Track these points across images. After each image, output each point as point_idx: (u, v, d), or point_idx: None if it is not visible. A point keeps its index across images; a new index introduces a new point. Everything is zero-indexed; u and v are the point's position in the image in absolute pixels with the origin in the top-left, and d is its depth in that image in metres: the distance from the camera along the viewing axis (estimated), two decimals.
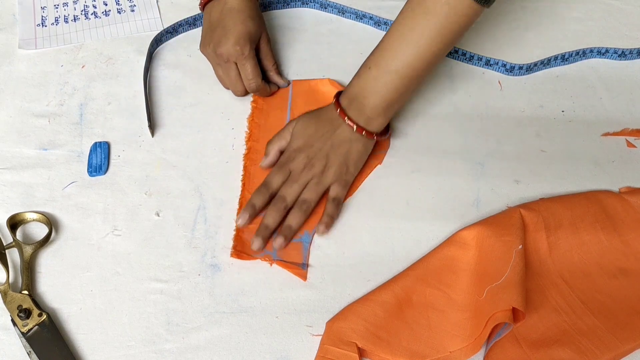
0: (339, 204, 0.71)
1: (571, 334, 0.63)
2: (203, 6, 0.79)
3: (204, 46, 0.78)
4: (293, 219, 0.69)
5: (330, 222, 0.70)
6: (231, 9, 0.76)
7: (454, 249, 0.67)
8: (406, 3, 0.69)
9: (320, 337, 0.63)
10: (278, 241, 0.68)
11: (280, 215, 0.69)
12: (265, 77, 0.79)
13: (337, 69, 0.83)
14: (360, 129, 0.71)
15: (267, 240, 0.68)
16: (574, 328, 0.64)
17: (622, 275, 0.68)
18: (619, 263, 0.69)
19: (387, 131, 0.75)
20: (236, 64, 0.77)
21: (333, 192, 0.71)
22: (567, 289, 0.67)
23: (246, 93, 0.79)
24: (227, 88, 0.80)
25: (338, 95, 0.73)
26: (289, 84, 0.81)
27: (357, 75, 0.72)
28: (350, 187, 0.73)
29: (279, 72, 0.81)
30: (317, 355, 0.62)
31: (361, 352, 0.62)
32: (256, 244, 0.67)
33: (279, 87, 0.81)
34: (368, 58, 0.72)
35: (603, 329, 0.64)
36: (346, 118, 0.71)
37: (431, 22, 0.67)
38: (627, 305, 0.66)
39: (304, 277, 0.67)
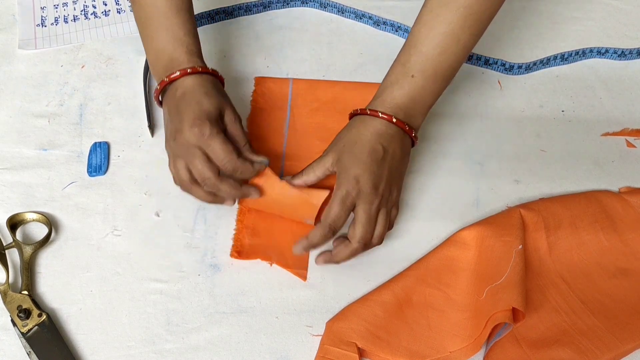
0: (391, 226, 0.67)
1: (571, 334, 0.63)
2: (159, 101, 0.69)
3: (166, 142, 0.66)
4: (340, 255, 0.65)
5: (328, 259, 0.66)
6: (183, 93, 0.65)
7: (454, 249, 0.67)
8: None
9: (320, 337, 0.63)
10: (319, 260, 0.66)
11: (326, 241, 0.65)
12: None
13: (337, 69, 0.83)
14: (410, 130, 0.66)
15: (307, 251, 0.66)
16: (573, 328, 0.64)
17: (622, 275, 0.68)
18: (619, 263, 0.69)
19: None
20: (201, 149, 0.63)
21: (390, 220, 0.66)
22: (567, 289, 0.67)
23: (218, 186, 0.64)
24: (187, 188, 0.65)
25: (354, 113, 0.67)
26: (267, 165, 0.67)
27: (397, 83, 0.66)
28: None
29: (253, 150, 0.67)
30: (317, 355, 0.62)
31: (361, 352, 0.62)
32: (298, 249, 0.65)
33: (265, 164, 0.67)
34: (406, 63, 0.67)
35: (603, 328, 0.64)
36: (406, 127, 0.65)
37: (467, 14, 0.64)
38: (627, 305, 0.66)
39: (304, 277, 0.67)
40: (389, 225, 0.67)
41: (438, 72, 0.66)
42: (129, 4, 0.89)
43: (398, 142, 0.66)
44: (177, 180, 0.66)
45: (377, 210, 0.64)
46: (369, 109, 0.66)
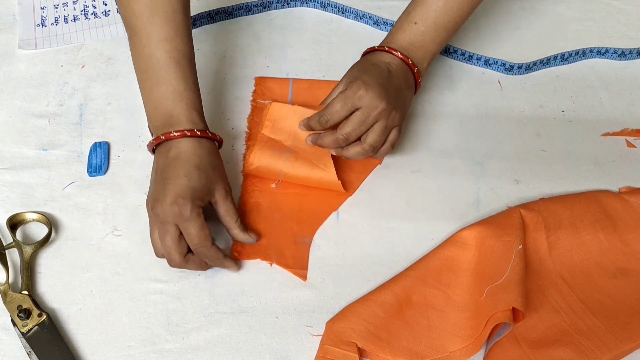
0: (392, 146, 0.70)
1: (571, 334, 0.63)
2: (152, 150, 0.67)
3: (147, 202, 0.65)
4: (350, 150, 0.69)
5: (373, 154, 0.70)
6: (176, 158, 0.63)
7: (454, 249, 0.67)
8: None
9: (320, 337, 0.63)
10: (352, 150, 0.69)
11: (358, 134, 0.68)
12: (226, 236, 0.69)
13: (337, 69, 0.83)
14: (413, 65, 0.71)
15: (339, 144, 0.69)
16: (574, 328, 0.64)
17: (622, 275, 0.68)
18: (619, 263, 0.69)
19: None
20: (176, 226, 0.62)
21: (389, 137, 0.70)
22: (567, 289, 0.67)
23: (183, 265, 0.64)
24: (160, 256, 0.65)
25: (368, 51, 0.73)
26: (257, 240, 0.68)
27: (401, 29, 0.72)
28: (349, 186, 0.73)
29: (245, 229, 0.67)
30: (317, 356, 0.62)
31: (361, 352, 0.62)
32: (327, 139, 0.69)
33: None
34: (411, 12, 0.72)
35: (603, 328, 0.64)
36: (410, 60, 0.71)
37: None
38: (627, 305, 0.66)
39: (304, 277, 0.67)
40: (390, 144, 0.69)
41: (439, 21, 0.71)
42: None
43: (402, 74, 0.71)
44: (153, 247, 0.65)
45: (376, 119, 0.67)
46: (377, 46, 0.72)
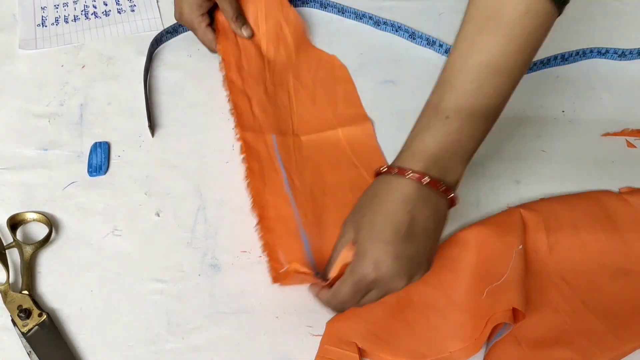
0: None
1: (571, 334, 0.63)
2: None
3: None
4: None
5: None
6: None
7: (454, 249, 0.67)
8: (465, 21, 0.56)
9: (320, 337, 0.63)
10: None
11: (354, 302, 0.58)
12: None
13: None
14: (447, 190, 0.56)
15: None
16: (574, 328, 0.64)
17: (623, 276, 0.68)
18: (619, 263, 0.69)
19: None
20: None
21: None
22: (567, 289, 0.67)
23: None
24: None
25: (379, 173, 0.58)
26: (252, 35, 0.80)
27: (430, 129, 0.56)
28: None
29: (242, 23, 0.79)
30: (317, 355, 0.62)
31: (361, 352, 0.62)
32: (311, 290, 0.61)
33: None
34: (438, 104, 0.57)
35: (603, 329, 0.64)
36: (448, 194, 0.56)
37: (510, 37, 0.53)
38: (628, 305, 0.66)
39: None
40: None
41: (477, 110, 0.55)
42: (130, 3, 0.89)
43: (431, 208, 0.55)
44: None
45: (386, 292, 0.57)
46: (397, 166, 0.56)
